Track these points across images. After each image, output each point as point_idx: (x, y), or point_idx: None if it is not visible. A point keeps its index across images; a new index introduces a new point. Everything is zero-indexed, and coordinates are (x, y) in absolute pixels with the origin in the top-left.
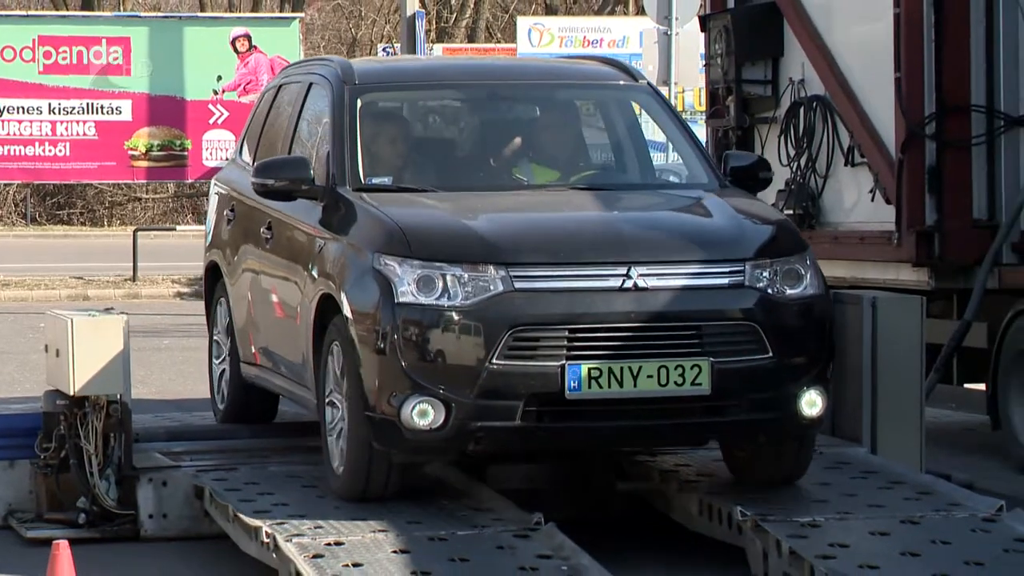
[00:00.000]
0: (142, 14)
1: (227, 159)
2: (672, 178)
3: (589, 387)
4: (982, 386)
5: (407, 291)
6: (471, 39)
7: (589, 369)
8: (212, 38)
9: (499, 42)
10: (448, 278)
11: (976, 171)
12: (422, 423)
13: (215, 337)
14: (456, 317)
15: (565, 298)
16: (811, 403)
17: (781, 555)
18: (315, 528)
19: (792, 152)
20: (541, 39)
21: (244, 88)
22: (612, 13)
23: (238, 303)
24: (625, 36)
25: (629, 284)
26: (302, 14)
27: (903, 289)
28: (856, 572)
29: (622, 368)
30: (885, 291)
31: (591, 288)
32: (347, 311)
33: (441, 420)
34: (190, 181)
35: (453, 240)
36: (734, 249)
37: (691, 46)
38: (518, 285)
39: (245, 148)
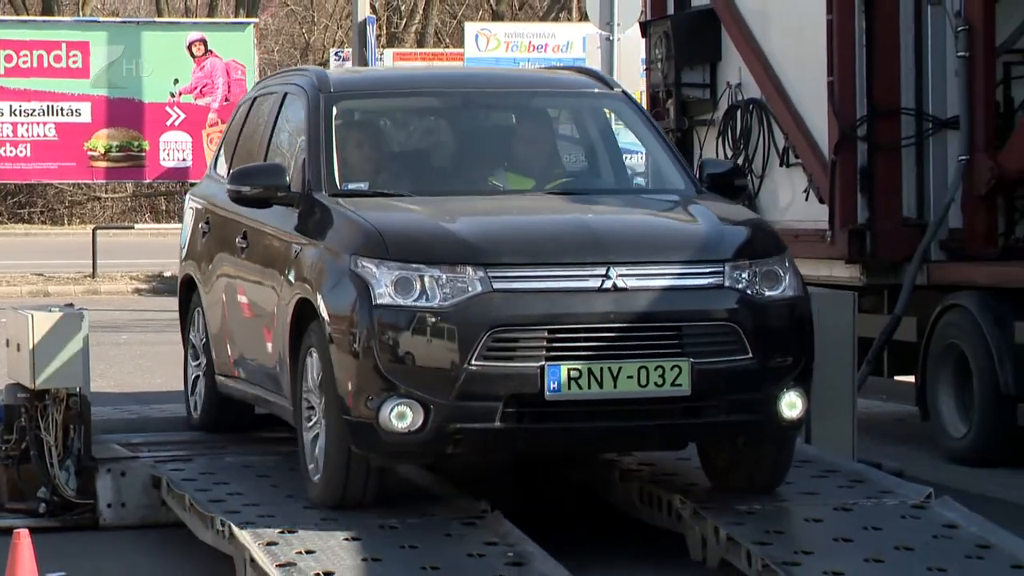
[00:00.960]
0: (101, 19)
1: (183, 160)
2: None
3: (569, 388)
4: (911, 378)
5: (384, 293)
6: (420, 44)
7: (569, 370)
8: (169, 43)
9: (447, 47)
10: (426, 279)
11: (906, 172)
12: (400, 425)
13: (190, 352)
14: (434, 318)
15: (544, 299)
16: (791, 404)
17: (719, 541)
18: (269, 516)
19: (729, 153)
20: (488, 44)
21: (200, 91)
22: (556, 19)
23: (213, 314)
24: (569, 41)
25: (608, 285)
26: (256, 19)
27: (836, 285)
28: (791, 557)
29: (602, 369)
30: (819, 287)
31: (570, 289)
32: (324, 314)
33: (420, 422)
34: (148, 181)
35: (431, 241)
36: (713, 250)
37: (632, 51)
38: (497, 286)
39: (221, 161)
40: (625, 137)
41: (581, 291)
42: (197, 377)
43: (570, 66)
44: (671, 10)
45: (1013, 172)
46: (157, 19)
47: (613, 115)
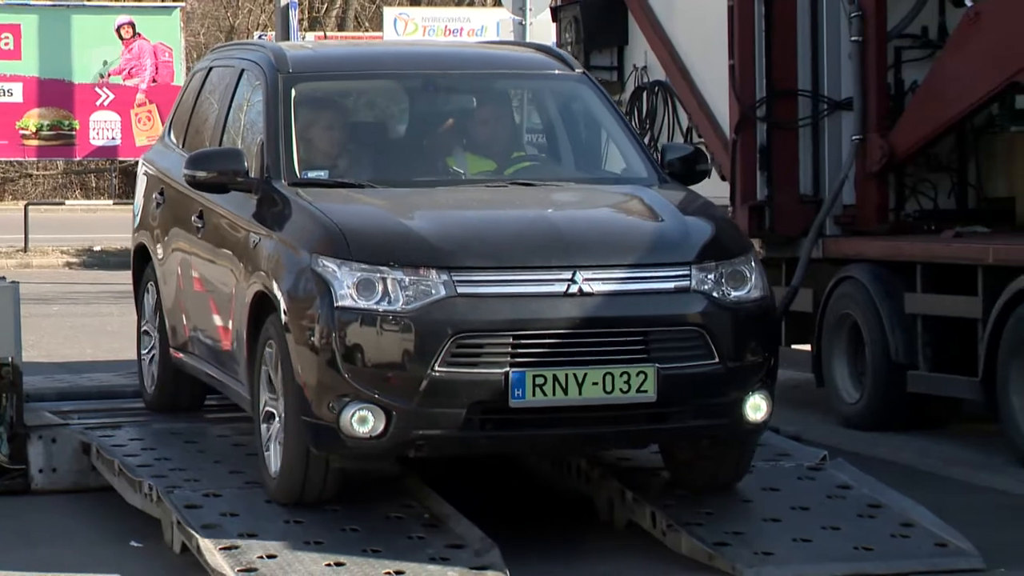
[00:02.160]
0: (32, 2)
1: (112, 138)
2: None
3: (533, 395)
4: (807, 347)
5: (346, 294)
6: (341, 27)
7: (533, 376)
8: (98, 25)
9: (367, 30)
10: (389, 281)
11: (802, 150)
12: (362, 430)
13: (144, 324)
14: (397, 322)
15: (509, 304)
16: (756, 407)
17: (625, 502)
18: (195, 481)
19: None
20: (406, 28)
21: (129, 72)
22: (471, 4)
23: (168, 290)
24: (483, 26)
25: (574, 289)
26: (183, 3)
27: None
28: (694, 518)
29: (567, 375)
30: None
31: (536, 293)
32: (283, 312)
33: (381, 427)
34: (78, 159)
35: (394, 242)
36: (679, 252)
37: (544, 35)
38: (461, 290)
39: (173, 130)
40: (533, 117)
41: (547, 296)
42: (153, 354)
43: (532, 44)
44: None
45: (903, 151)
46: (87, 3)
47: (574, 97)
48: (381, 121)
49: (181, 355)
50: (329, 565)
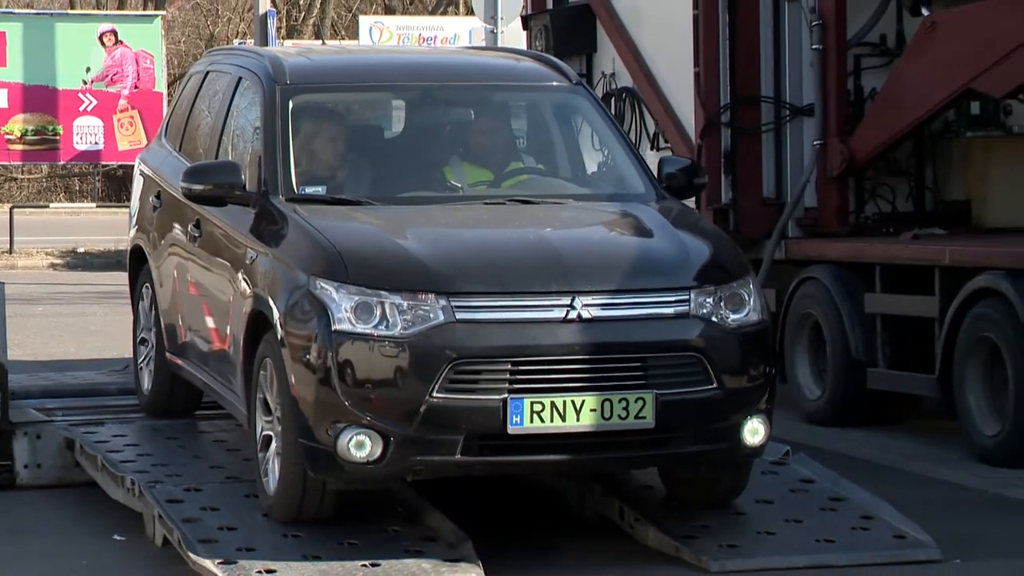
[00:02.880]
0: (16, 11)
1: (95, 143)
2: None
3: (532, 421)
4: None
5: (344, 318)
6: (318, 36)
7: (532, 403)
8: (81, 33)
9: (344, 39)
10: (387, 306)
11: (765, 155)
12: (359, 455)
13: (140, 327)
14: (395, 347)
15: (508, 330)
16: (754, 431)
17: (594, 495)
18: (176, 476)
19: None
20: (381, 36)
21: (111, 79)
22: (444, 13)
23: (164, 294)
24: (456, 34)
25: (573, 315)
26: (164, 12)
27: None
28: (660, 511)
29: (565, 402)
30: None
31: (535, 319)
32: (280, 333)
33: (379, 453)
34: (62, 163)
35: (393, 266)
36: (679, 277)
37: (515, 43)
38: (460, 315)
39: (169, 132)
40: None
41: (546, 322)
42: (148, 357)
43: (531, 53)
44: (550, 5)
45: (863, 156)
46: (70, 11)
47: (572, 109)
48: (379, 135)
49: (178, 360)
50: (307, 558)
